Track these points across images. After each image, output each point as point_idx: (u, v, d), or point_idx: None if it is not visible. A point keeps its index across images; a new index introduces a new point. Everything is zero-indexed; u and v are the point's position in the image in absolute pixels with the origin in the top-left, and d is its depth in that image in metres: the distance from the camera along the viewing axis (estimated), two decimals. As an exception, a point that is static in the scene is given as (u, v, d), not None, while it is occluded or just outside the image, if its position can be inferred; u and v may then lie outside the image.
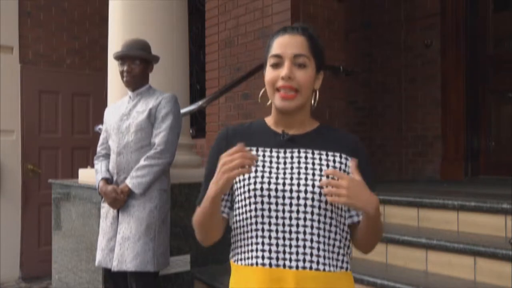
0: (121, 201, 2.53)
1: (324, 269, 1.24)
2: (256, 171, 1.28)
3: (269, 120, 1.40)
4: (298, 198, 1.24)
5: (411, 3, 4.72)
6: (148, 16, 3.27)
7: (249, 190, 1.27)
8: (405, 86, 4.76)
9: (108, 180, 2.64)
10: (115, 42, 3.23)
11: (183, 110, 3.32)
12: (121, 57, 2.66)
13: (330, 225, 1.26)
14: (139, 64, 2.65)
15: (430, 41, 4.54)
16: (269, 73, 1.31)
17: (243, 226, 1.29)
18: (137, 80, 2.67)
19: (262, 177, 1.27)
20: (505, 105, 4.32)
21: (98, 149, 2.82)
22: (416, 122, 4.66)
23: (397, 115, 4.82)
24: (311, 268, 1.23)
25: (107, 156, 2.76)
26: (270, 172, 1.28)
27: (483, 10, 4.40)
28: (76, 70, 5.62)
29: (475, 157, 4.39)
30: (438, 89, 4.50)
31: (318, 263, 1.23)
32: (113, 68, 3.15)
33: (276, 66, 1.29)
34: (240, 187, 1.30)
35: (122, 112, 2.69)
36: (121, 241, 2.52)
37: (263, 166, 1.29)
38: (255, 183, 1.26)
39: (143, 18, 3.26)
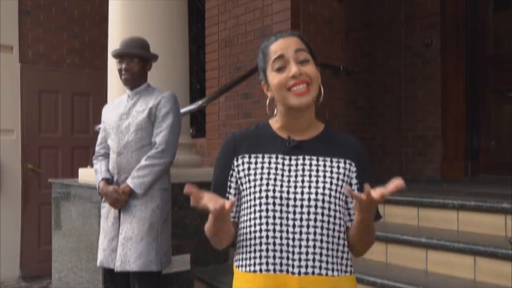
0: (123, 201, 2.52)
1: (327, 274, 1.26)
2: (261, 178, 1.30)
3: (274, 124, 1.40)
4: (302, 206, 1.26)
5: (411, 2, 4.72)
6: (148, 16, 3.27)
7: (254, 198, 1.29)
8: (405, 86, 4.77)
9: (108, 181, 2.62)
10: (115, 41, 3.22)
11: (183, 110, 3.32)
12: (120, 55, 2.63)
13: (334, 230, 1.28)
14: (138, 62, 2.63)
15: (430, 41, 4.54)
16: (276, 77, 1.31)
17: (248, 233, 1.31)
18: (135, 79, 2.65)
19: (267, 184, 1.28)
20: (505, 104, 4.32)
21: (97, 148, 2.80)
22: (416, 122, 4.66)
23: (397, 115, 4.82)
24: (313, 273, 1.25)
25: (106, 155, 2.74)
26: (275, 180, 1.29)
27: (483, 10, 4.40)
28: (76, 69, 5.62)
29: (475, 157, 4.39)
30: (438, 88, 4.50)
31: (320, 268, 1.26)
32: (113, 68, 3.14)
33: (280, 69, 1.30)
34: (246, 195, 1.32)
35: (121, 111, 2.67)
36: (123, 242, 2.51)
37: (269, 174, 1.31)
38: (260, 191, 1.28)
39: (143, 17, 3.26)
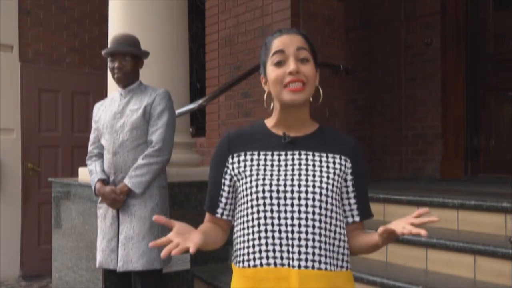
0: (121, 201, 2.51)
1: (326, 268, 1.26)
2: (257, 174, 1.31)
3: (269, 122, 1.41)
4: (299, 198, 1.26)
5: (411, 1, 4.72)
6: (148, 15, 3.27)
7: (251, 193, 1.29)
8: (405, 85, 4.77)
9: (104, 181, 2.60)
10: (115, 40, 3.22)
11: (183, 109, 3.32)
12: (112, 54, 2.60)
13: (330, 224, 1.29)
14: (130, 60, 2.60)
15: (430, 40, 4.54)
16: (273, 72, 1.31)
17: (246, 229, 1.31)
18: (128, 77, 2.62)
19: (264, 179, 1.29)
20: (505, 104, 4.32)
21: (90, 148, 2.75)
22: (416, 121, 4.67)
23: (397, 114, 4.82)
24: (313, 267, 1.25)
25: (100, 155, 2.71)
26: (271, 175, 1.30)
27: (483, 9, 4.40)
28: (76, 68, 5.61)
29: (475, 156, 4.39)
30: (438, 87, 4.50)
31: (320, 262, 1.26)
32: (113, 67, 3.14)
33: (279, 64, 1.31)
34: (243, 190, 1.32)
35: (114, 110, 2.63)
36: (124, 241, 2.50)
37: (265, 169, 1.31)
38: (256, 186, 1.29)
39: (143, 16, 3.26)
